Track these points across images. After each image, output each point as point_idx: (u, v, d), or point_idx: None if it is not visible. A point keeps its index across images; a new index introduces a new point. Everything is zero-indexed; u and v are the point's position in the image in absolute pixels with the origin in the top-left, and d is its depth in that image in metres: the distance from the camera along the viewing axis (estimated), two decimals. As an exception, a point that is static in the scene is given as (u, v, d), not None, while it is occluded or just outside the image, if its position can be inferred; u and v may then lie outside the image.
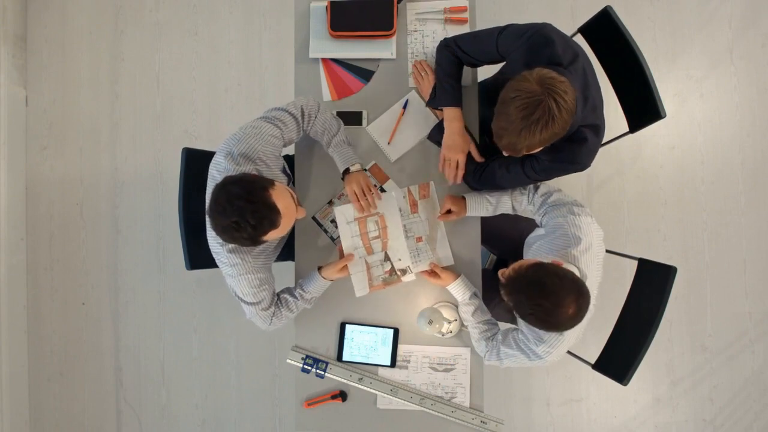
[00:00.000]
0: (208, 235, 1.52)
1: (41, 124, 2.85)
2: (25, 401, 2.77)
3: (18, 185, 2.81)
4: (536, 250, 1.53)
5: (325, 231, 1.81)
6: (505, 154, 1.37)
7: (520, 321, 1.58)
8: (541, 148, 1.36)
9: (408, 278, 1.75)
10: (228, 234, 1.30)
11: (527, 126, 1.24)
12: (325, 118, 1.66)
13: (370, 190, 1.66)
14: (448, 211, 1.70)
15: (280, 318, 1.66)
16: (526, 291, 1.25)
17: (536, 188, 1.65)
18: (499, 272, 1.42)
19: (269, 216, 1.30)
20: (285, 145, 1.60)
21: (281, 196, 1.33)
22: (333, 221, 1.79)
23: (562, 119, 1.24)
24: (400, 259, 1.74)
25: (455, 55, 1.63)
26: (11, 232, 2.74)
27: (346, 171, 1.67)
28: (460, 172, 1.67)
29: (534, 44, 1.41)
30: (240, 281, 1.52)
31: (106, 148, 2.82)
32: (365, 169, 1.79)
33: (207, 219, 1.36)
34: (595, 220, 1.51)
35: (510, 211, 1.71)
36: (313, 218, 1.81)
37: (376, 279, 1.74)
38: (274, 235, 1.35)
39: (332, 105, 1.84)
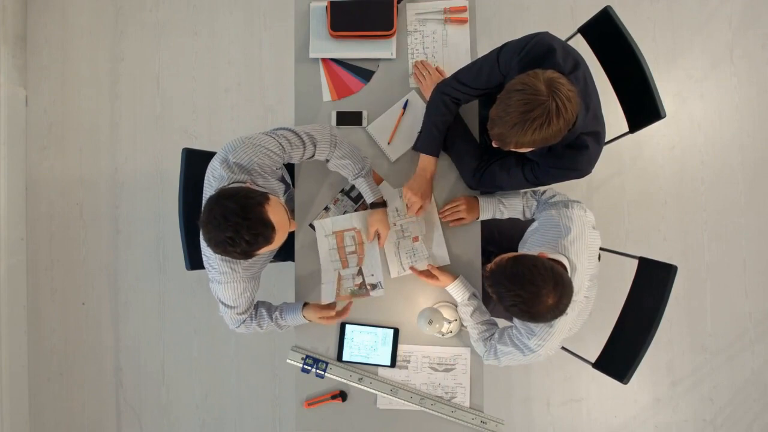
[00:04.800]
0: (201, 238, 1.52)
1: (41, 124, 2.85)
2: (25, 401, 2.77)
3: (18, 185, 2.81)
4: (530, 245, 1.54)
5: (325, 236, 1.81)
6: (494, 145, 1.37)
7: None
8: (530, 149, 1.35)
9: (377, 293, 1.76)
10: (221, 248, 1.29)
11: (522, 122, 1.23)
12: (349, 152, 1.63)
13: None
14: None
15: (248, 327, 1.67)
16: (505, 283, 1.27)
17: (542, 192, 1.67)
18: (485, 268, 1.43)
19: (264, 232, 1.29)
20: (285, 162, 1.58)
21: (276, 211, 1.32)
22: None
23: (557, 126, 1.23)
24: (372, 275, 1.76)
25: (452, 100, 1.61)
26: (11, 232, 2.74)
27: (378, 203, 1.71)
28: (418, 212, 1.72)
29: (535, 54, 1.39)
30: (225, 288, 1.52)
31: (106, 148, 2.82)
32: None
33: (201, 230, 1.34)
34: (591, 214, 1.51)
35: (520, 216, 1.73)
36: (310, 225, 1.81)
37: (344, 290, 1.76)
38: (267, 250, 1.35)
39: (332, 105, 1.84)
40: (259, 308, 1.69)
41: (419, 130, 1.75)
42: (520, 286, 1.25)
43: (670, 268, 1.70)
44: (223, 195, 1.30)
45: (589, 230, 1.47)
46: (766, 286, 2.58)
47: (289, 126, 1.58)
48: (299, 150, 1.55)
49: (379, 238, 1.74)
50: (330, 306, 1.72)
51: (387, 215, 1.74)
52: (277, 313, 1.69)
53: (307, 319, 1.69)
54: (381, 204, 1.72)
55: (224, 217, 1.25)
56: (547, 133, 1.24)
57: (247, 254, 1.31)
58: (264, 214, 1.29)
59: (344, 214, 1.79)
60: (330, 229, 1.77)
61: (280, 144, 1.51)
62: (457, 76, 1.59)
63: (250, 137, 1.49)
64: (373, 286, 1.76)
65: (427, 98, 1.79)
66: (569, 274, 1.39)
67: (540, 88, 1.21)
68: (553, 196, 1.63)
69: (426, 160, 1.70)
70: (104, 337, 2.77)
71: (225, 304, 1.57)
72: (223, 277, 1.50)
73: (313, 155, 1.61)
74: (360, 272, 1.77)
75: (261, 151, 1.48)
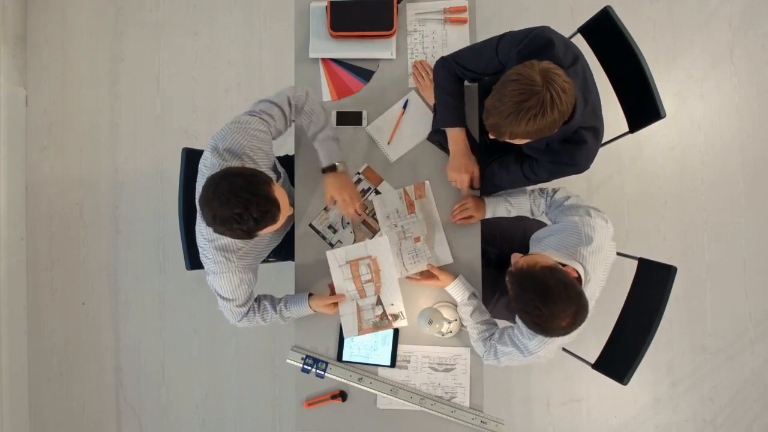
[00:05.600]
0: (197, 229, 1.52)
1: (41, 124, 2.85)
2: (25, 401, 2.77)
3: (18, 185, 2.80)
4: (545, 246, 1.52)
5: (323, 237, 1.81)
6: (490, 136, 1.37)
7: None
8: (525, 141, 1.35)
9: (400, 323, 1.72)
10: (227, 226, 1.28)
11: (516, 112, 1.22)
12: (312, 109, 1.64)
13: (355, 198, 1.67)
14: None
15: (251, 321, 1.65)
16: (530, 290, 1.26)
17: (554, 191, 1.66)
18: (513, 255, 1.42)
19: (271, 210, 1.30)
20: (274, 138, 1.59)
21: (279, 192, 1.34)
22: (330, 227, 1.80)
23: (552, 117, 1.23)
24: (392, 304, 1.72)
25: (454, 73, 1.61)
26: (11, 232, 2.74)
27: (329, 168, 1.65)
28: (465, 191, 1.70)
29: (534, 47, 1.39)
30: (220, 279, 1.52)
31: (106, 148, 2.82)
32: (358, 172, 1.79)
33: (200, 209, 1.33)
34: (611, 226, 1.50)
35: (528, 214, 1.72)
36: (310, 225, 1.81)
37: (366, 322, 1.72)
38: (269, 230, 1.36)
39: (332, 105, 1.84)
40: (262, 301, 1.69)
41: (433, 110, 1.70)
42: (543, 300, 1.23)
43: (670, 268, 1.70)
44: (230, 172, 1.30)
45: (608, 242, 1.46)
46: (766, 286, 2.58)
47: (264, 98, 1.58)
48: (281, 119, 1.57)
49: (345, 207, 1.67)
50: (334, 297, 1.71)
51: (345, 179, 1.66)
52: (281, 304, 1.69)
53: (312, 310, 1.69)
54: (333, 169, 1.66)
55: (233, 193, 1.25)
56: (542, 124, 1.24)
57: (251, 233, 1.31)
58: (271, 193, 1.30)
59: (354, 243, 1.76)
60: (344, 259, 1.71)
61: (264, 120, 1.52)
62: (456, 56, 1.59)
63: (235, 121, 1.51)
64: (395, 317, 1.72)
65: (426, 98, 1.79)
66: (583, 284, 1.38)
67: (535, 79, 1.21)
68: (568, 198, 1.61)
69: (454, 134, 1.65)
70: (104, 337, 2.77)
71: (222, 297, 1.57)
72: (217, 267, 1.50)
73: (294, 118, 1.62)
74: (379, 302, 1.72)
75: (249, 133, 1.49)
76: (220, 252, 1.49)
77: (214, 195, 1.28)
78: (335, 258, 1.71)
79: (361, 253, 1.71)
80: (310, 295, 1.70)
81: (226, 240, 1.47)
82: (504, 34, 1.48)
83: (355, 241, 1.78)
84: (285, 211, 1.36)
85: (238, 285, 1.54)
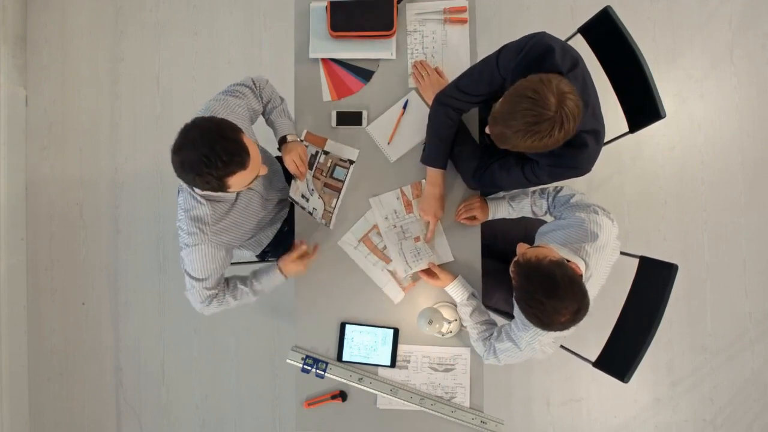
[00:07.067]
0: (178, 203, 1.52)
1: (41, 124, 2.85)
2: (25, 401, 2.77)
3: (18, 185, 2.80)
4: (549, 240, 1.52)
5: (303, 208, 1.77)
6: (489, 136, 1.37)
7: (516, 307, 1.57)
8: (526, 152, 1.37)
9: (439, 259, 1.76)
10: (195, 170, 1.27)
11: (525, 131, 1.24)
12: (272, 90, 1.74)
13: (305, 160, 1.72)
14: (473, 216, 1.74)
15: (220, 303, 1.62)
16: (536, 283, 1.25)
17: (557, 191, 1.67)
18: (520, 245, 1.42)
19: (240, 154, 1.29)
20: (252, 117, 1.64)
21: (250, 142, 1.34)
22: (303, 196, 1.79)
23: (557, 137, 1.26)
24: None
25: (454, 110, 1.61)
26: (11, 232, 2.74)
27: (284, 140, 1.71)
28: (429, 234, 1.75)
29: (534, 55, 1.39)
30: (193, 252, 1.48)
31: (106, 148, 2.82)
32: (302, 140, 1.82)
33: (172, 162, 1.33)
34: (617, 226, 1.50)
35: (529, 215, 1.73)
36: (290, 197, 1.77)
37: (404, 281, 1.77)
38: (240, 179, 1.33)
39: (332, 105, 1.84)
40: (230, 281, 1.67)
41: (424, 142, 1.74)
42: (548, 294, 1.23)
43: (671, 267, 1.70)
44: (199, 119, 1.32)
45: (613, 241, 1.47)
46: (766, 286, 2.58)
47: (231, 83, 1.65)
48: (251, 94, 1.64)
49: (292, 169, 1.71)
50: (296, 251, 1.70)
51: (293, 145, 1.70)
52: (251, 279, 1.68)
53: (284, 274, 1.67)
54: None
55: (202, 136, 1.27)
56: (547, 143, 1.26)
57: (220, 179, 1.29)
58: (240, 138, 1.31)
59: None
60: (355, 239, 1.78)
61: (238, 97, 1.58)
62: (457, 84, 1.58)
63: (212, 100, 1.57)
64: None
65: (426, 98, 1.79)
66: (584, 280, 1.38)
67: (550, 102, 1.22)
68: (573, 195, 1.62)
69: (433, 174, 1.70)
70: (104, 337, 2.77)
71: (193, 277, 1.53)
72: (190, 238, 1.48)
73: (260, 95, 1.69)
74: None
75: (229, 107, 1.55)
76: (195, 223, 1.47)
77: (183, 142, 1.29)
78: (348, 242, 1.79)
79: (366, 227, 1.79)
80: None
81: (201, 211, 1.46)
82: (502, 48, 1.48)
83: (324, 205, 1.80)
84: (256, 162, 1.34)
85: (210, 261, 1.50)
